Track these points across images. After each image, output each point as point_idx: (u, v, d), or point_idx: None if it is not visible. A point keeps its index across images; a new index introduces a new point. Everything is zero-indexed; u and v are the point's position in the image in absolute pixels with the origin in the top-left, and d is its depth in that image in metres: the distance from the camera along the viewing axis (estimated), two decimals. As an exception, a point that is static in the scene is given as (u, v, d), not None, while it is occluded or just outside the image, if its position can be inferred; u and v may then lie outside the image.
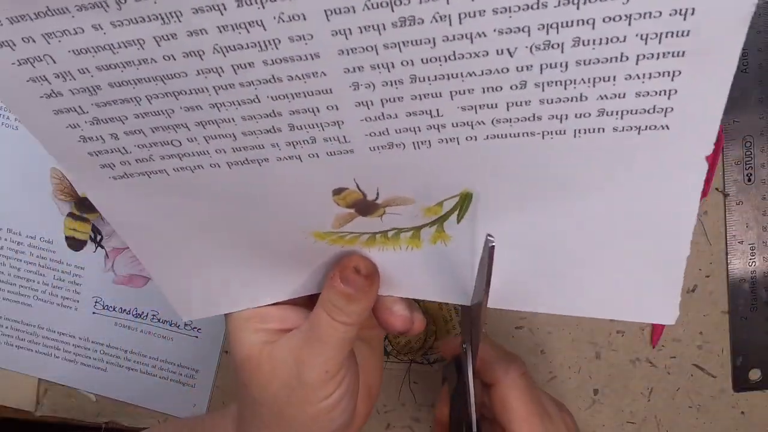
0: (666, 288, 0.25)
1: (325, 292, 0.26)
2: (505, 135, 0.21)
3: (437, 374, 0.43)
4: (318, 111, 0.20)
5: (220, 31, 0.18)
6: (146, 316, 0.44)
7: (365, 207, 0.24)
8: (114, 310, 0.44)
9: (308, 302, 0.29)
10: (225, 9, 0.18)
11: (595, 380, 0.43)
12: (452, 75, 0.19)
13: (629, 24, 0.17)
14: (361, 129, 0.21)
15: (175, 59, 0.19)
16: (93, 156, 0.23)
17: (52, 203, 0.43)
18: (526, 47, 0.18)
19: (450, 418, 0.34)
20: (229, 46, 0.19)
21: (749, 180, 0.41)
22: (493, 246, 0.22)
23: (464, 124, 0.21)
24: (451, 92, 0.19)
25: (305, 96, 0.20)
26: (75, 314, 0.44)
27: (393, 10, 0.17)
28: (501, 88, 0.19)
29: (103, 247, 0.43)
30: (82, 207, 0.43)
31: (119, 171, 0.23)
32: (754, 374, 0.42)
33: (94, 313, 0.44)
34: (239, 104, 0.20)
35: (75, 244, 0.43)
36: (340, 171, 0.23)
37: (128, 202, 0.25)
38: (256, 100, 0.20)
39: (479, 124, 0.20)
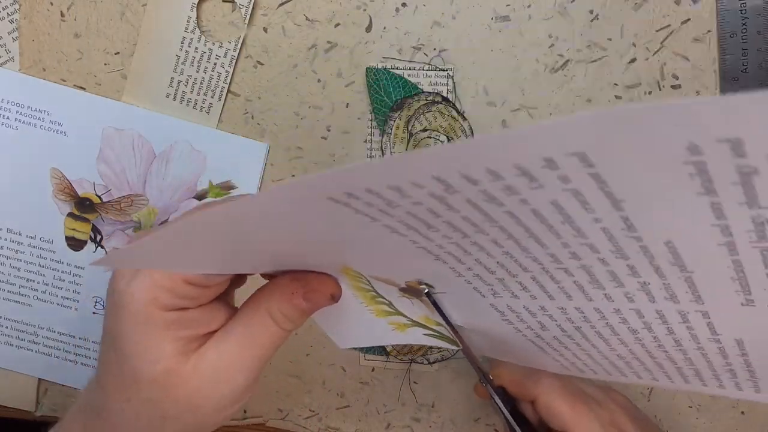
0: None
1: (278, 304, 0.25)
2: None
3: (437, 374, 0.43)
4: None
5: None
6: (146, 316, 0.44)
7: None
8: (114, 310, 0.44)
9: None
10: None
11: (595, 380, 0.43)
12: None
13: None
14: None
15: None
16: None
17: (52, 203, 0.43)
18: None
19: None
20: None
21: (749, 180, 0.41)
22: (428, 292, 0.25)
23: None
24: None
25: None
26: (75, 314, 0.44)
27: None
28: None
29: (103, 247, 0.43)
30: (82, 207, 0.43)
31: None
32: (754, 374, 0.42)
33: (94, 313, 0.44)
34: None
35: (75, 244, 0.43)
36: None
37: None
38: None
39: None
